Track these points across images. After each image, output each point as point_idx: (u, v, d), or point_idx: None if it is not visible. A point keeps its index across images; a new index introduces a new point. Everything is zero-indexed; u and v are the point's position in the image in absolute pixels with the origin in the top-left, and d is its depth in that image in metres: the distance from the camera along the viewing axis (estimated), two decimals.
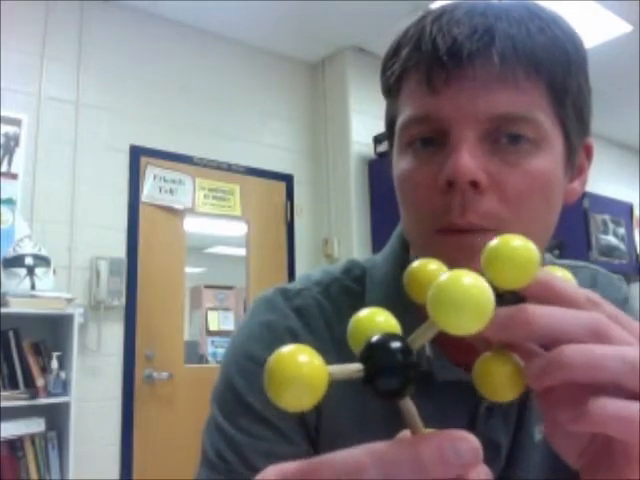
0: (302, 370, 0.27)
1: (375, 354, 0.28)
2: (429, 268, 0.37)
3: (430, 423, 0.58)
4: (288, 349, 0.28)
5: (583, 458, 0.37)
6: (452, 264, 0.50)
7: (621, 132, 5.46)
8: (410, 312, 0.59)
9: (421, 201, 0.53)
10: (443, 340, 0.58)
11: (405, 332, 0.64)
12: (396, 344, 0.28)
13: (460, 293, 0.28)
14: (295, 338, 0.59)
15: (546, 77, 0.51)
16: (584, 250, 3.78)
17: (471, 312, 0.28)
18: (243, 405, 0.58)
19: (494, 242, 0.33)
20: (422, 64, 0.52)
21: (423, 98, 0.52)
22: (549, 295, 0.34)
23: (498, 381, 0.34)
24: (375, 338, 0.29)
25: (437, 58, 0.51)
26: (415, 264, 0.37)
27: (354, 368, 0.28)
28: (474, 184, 0.49)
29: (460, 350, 0.58)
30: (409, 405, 0.29)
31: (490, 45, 0.50)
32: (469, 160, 0.49)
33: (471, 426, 0.58)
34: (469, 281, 0.28)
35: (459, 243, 0.51)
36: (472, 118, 0.50)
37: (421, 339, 0.30)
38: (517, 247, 0.32)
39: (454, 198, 0.50)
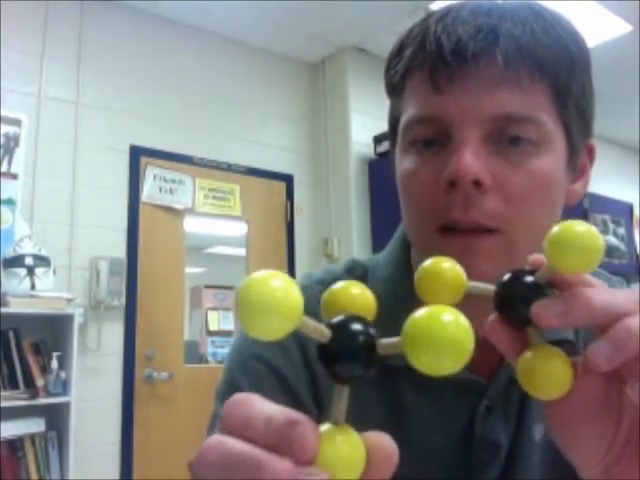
0: (275, 295, 0.25)
1: (337, 337, 0.27)
2: (442, 267, 0.36)
3: (430, 422, 0.58)
4: (260, 273, 0.26)
5: (608, 457, 0.36)
6: None
7: (621, 132, 5.46)
8: (409, 313, 0.59)
9: (423, 200, 0.53)
10: None
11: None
12: (357, 326, 0.28)
13: (438, 333, 0.26)
14: (298, 336, 0.59)
15: (550, 78, 0.51)
16: None
17: (450, 354, 0.26)
18: None
19: (560, 227, 0.32)
20: (426, 63, 0.52)
21: (427, 97, 0.52)
22: (578, 282, 0.34)
23: (548, 377, 0.34)
24: (341, 319, 0.28)
25: (441, 57, 0.51)
26: (427, 262, 0.36)
27: (324, 332, 0.27)
28: (477, 183, 0.49)
29: None
30: (344, 395, 0.28)
31: (494, 45, 0.50)
32: (472, 160, 0.49)
33: (470, 426, 0.58)
34: (448, 319, 0.26)
35: (462, 246, 0.50)
36: (476, 118, 0.50)
37: (388, 350, 0.28)
38: (585, 233, 0.32)
39: (456, 197, 0.50)
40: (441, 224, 0.51)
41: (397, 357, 0.61)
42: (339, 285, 0.31)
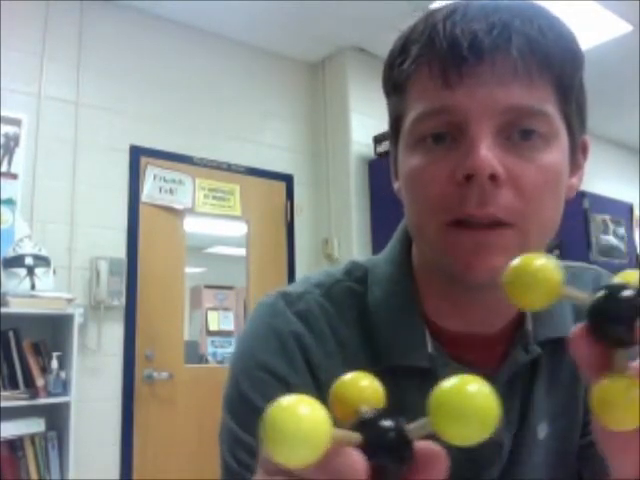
0: (302, 424, 0.25)
1: (372, 433, 0.28)
2: (535, 265, 0.33)
3: None
4: (288, 400, 0.26)
5: None
6: (467, 261, 0.50)
7: (621, 132, 5.46)
8: (411, 310, 0.59)
9: (435, 194, 0.53)
10: (444, 337, 0.58)
11: (406, 330, 0.62)
12: (389, 423, 0.28)
13: (466, 405, 0.26)
14: (300, 342, 0.59)
15: (556, 74, 0.52)
16: (584, 250, 3.78)
17: (478, 425, 0.26)
18: (257, 413, 0.58)
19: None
20: (436, 59, 0.52)
21: (437, 92, 0.52)
22: None
23: (626, 410, 0.31)
24: (369, 415, 0.28)
25: (455, 53, 0.51)
26: (518, 260, 0.34)
27: (354, 436, 0.28)
28: (493, 177, 0.50)
29: (461, 347, 0.58)
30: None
31: (508, 41, 0.51)
32: (489, 154, 0.49)
33: None
34: (474, 389, 0.27)
35: (475, 240, 0.51)
36: (489, 110, 0.51)
37: (418, 433, 0.29)
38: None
39: (471, 190, 0.50)
40: (453, 219, 0.51)
41: (402, 357, 0.61)
42: (345, 378, 0.32)
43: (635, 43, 3.81)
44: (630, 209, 4.49)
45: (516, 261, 0.33)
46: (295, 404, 0.25)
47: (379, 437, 0.27)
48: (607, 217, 4.11)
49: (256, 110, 3.91)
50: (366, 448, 0.27)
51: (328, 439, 0.25)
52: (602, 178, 4.99)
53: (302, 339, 0.59)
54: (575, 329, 0.33)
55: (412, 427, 0.28)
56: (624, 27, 3.70)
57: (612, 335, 0.31)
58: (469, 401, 0.26)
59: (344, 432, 0.28)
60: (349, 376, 0.31)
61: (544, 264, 0.33)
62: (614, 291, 0.32)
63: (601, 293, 0.32)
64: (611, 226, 4.12)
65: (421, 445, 0.28)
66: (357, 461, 0.26)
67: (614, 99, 4.54)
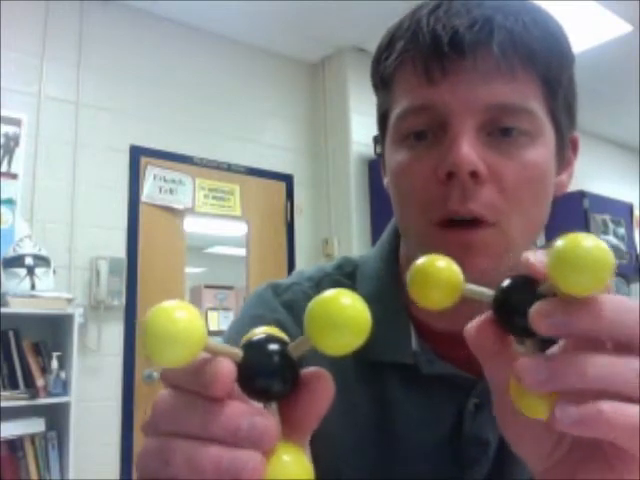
0: (176, 325, 0.26)
1: (252, 353, 0.29)
2: (437, 266, 0.34)
3: (418, 418, 0.58)
4: (167, 304, 0.27)
5: (548, 461, 0.37)
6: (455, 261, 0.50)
7: (621, 132, 5.46)
8: (397, 306, 0.59)
9: (419, 192, 0.53)
10: (430, 334, 0.58)
11: (391, 326, 0.63)
12: (274, 346, 0.29)
13: (340, 315, 0.27)
14: (283, 330, 0.59)
15: (541, 70, 0.52)
16: None
17: (349, 334, 0.27)
18: None
19: (565, 244, 0.28)
20: (419, 55, 0.52)
21: (420, 89, 0.52)
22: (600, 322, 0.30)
23: (540, 398, 0.31)
24: (255, 338, 0.29)
25: (437, 49, 0.51)
26: (421, 261, 0.34)
27: (234, 351, 0.29)
28: (474, 175, 0.49)
29: (448, 345, 0.58)
30: (275, 410, 0.29)
31: (490, 36, 0.50)
32: (470, 151, 0.49)
33: (459, 422, 0.58)
34: (347, 302, 0.28)
35: (460, 240, 0.51)
36: (471, 108, 0.50)
37: (300, 349, 0.29)
38: (594, 250, 0.28)
39: (454, 188, 0.50)
40: (440, 217, 0.51)
41: (386, 353, 0.61)
42: (422, 261, 0.34)
43: (635, 43, 3.82)
44: (630, 209, 4.49)
45: (419, 262, 0.35)
46: (172, 308, 0.26)
47: (262, 357, 0.29)
48: (607, 217, 4.12)
49: (256, 110, 3.90)
50: (251, 369, 0.28)
51: (201, 342, 0.27)
52: (602, 178, 4.99)
53: (285, 327, 0.60)
54: (478, 320, 0.34)
55: (292, 345, 0.29)
56: (624, 27, 3.70)
57: (518, 325, 0.32)
58: (340, 312, 0.27)
59: (223, 345, 0.29)
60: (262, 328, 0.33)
61: (446, 265, 0.34)
62: (518, 283, 0.33)
63: (505, 285, 0.33)
64: (611, 226, 4.13)
65: (306, 370, 0.30)
66: (225, 366, 0.27)
67: (614, 99, 4.54)
